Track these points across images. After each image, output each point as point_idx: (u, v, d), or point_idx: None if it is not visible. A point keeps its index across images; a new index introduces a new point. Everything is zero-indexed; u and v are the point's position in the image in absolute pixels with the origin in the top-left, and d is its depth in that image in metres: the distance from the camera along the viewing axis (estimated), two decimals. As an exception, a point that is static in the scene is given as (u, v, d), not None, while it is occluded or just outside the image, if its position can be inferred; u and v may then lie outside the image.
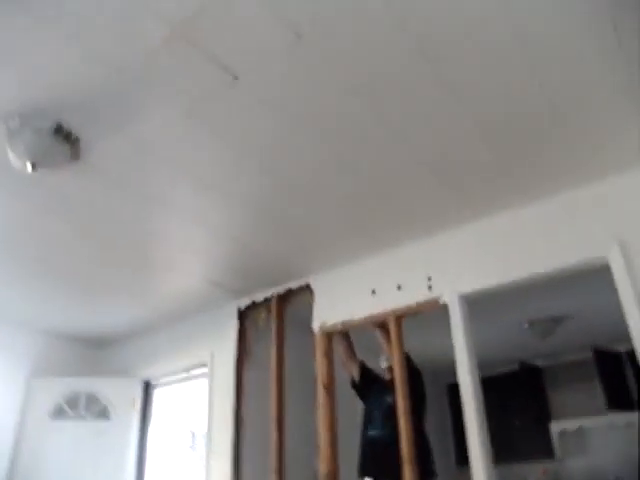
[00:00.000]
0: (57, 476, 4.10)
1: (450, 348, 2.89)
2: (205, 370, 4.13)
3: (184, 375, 4.43)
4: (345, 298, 3.47)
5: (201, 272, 3.64)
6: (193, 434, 5.01)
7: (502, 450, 5.27)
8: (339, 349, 3.52)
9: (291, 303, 3.82)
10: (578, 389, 5.46)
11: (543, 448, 5.50)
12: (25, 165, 2.19)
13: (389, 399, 3.12)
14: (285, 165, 2.50)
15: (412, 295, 3.15)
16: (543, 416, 5.55)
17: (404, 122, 2.25)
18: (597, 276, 2.69)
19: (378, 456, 3.12)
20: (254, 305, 3.98)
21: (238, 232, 3.10)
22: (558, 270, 2.74)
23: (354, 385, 3.48)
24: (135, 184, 2.60)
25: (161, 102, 2.09)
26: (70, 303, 4.05)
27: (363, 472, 3.16)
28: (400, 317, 3.18)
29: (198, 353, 4.19)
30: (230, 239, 3.16)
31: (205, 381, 4.10)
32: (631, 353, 2.47)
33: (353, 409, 3.41)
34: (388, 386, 3.18)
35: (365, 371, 3.46)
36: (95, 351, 5.02)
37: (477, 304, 3.01)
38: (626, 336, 2.45)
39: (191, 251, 3.32)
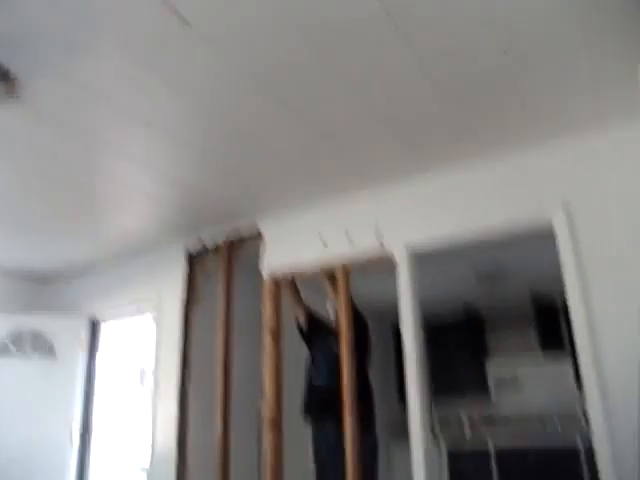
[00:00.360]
0: (2, 416, 4.05)
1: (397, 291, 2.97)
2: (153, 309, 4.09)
3: (132, 310, 4.35)
4: (294, 247, 3.45)
5: (148, 212, 3.59)
6: (142, 370, 5.02)
7: (441, 386, 5.68)
8: (286, 294, 3.52)
9: (242, 249, 3.78)
10: (515, 334, 5.88)
11: (480, 386, 5.90)
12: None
13: (335, 348, 3.14)
14: (233, 110, 2.42)
15: (361, 247, 3.16)
16: (481, 353, 5.97)
17: (355, 73, 2.17)
18: (542, 234, 2.75)
19: (322, 401, 3.20)
20: (205, 250, 3.93)
21: (185, 174, 3.05)
22: (505, 229, 2.79)
23: (300, 331, 3.49)
24: (80, 127, 2.51)
25: (108, 44, 1.95)
26: (14, 239, 3.92)
27: (307, 413, 3.24)
28: (348, 269, 3.20)
29: (145, 295, 4.14)
30: (177, 181, 3.12)
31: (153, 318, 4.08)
32: (564, 304, 2.71)
33: (300, 356, 3.43)
34: (335, 334, 3.20)
35: (312, 319, 3.46)
36: (41, 287, 4.90)
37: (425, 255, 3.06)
38: (562, 288, 2.59)
39: (138, 192, 3.26)
